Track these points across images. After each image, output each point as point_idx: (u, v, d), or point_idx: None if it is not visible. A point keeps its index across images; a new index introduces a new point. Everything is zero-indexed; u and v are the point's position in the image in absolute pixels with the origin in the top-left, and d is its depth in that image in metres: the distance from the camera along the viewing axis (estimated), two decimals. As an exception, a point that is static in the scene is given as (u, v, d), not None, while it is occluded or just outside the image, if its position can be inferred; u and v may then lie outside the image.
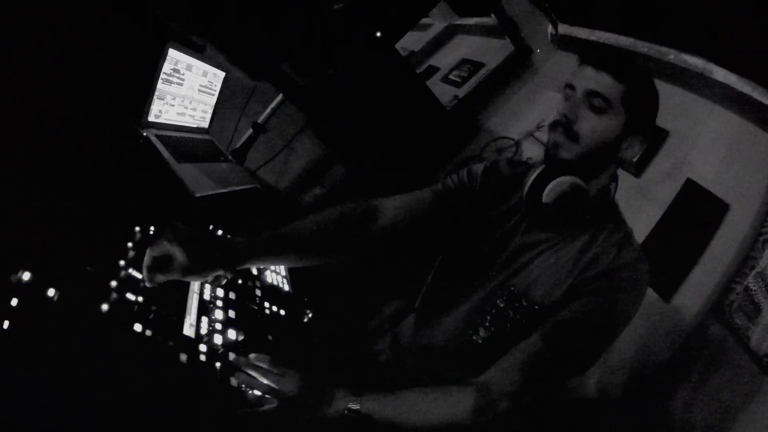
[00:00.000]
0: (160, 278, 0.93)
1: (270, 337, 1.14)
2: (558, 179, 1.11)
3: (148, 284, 0.92)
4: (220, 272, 0.99)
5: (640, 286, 1.11)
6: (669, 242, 1.92)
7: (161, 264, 0.92)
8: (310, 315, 1.34)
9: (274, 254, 1.11)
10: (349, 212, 1.23)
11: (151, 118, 1.62)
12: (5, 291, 0.76)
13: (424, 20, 4.45)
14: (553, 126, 1.15)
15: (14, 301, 0.75)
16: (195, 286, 1.07)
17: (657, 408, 1.66)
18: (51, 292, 0.80)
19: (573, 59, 1.16)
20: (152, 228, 1.11)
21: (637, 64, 1.16)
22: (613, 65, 1.12)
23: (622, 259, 1.11)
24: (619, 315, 1.09)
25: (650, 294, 1.44)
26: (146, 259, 0.92)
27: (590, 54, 1.17)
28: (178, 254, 0.91)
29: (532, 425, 1.16)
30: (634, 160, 2.21)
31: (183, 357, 0.86)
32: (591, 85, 1.11)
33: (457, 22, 4.37)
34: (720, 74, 2.04)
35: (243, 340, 1.04)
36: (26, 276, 0.79)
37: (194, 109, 1.85)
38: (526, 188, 1.16)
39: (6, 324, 0.71)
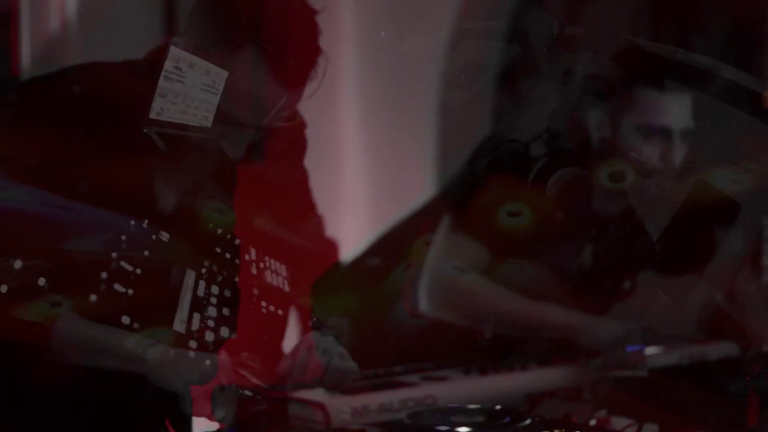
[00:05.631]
0: None
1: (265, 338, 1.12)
2: (556, 174, 1.15)
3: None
4: None
5: None
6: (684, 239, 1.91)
7: None
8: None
9: None
10: None
11: (152, 116, 1.61)
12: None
13: (430, 26, 4.46)
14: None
15: (3, 288, 0.76)
16: (189, 281, 1.04)
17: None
18: (41, 281, 0.78)
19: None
20: (146, 221, 1.08)
21: None
22: None
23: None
24: None
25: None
26: None
27: None
28: None
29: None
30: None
31: (171, 353, 0.85)
32: None
33: (463, 27, 4.38)
34: (728, 72, 2.01)
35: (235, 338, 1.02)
36: (18, 264, 0.78)
37: (197, 108, 1.84)
38: (529, 183, 1.20)
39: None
